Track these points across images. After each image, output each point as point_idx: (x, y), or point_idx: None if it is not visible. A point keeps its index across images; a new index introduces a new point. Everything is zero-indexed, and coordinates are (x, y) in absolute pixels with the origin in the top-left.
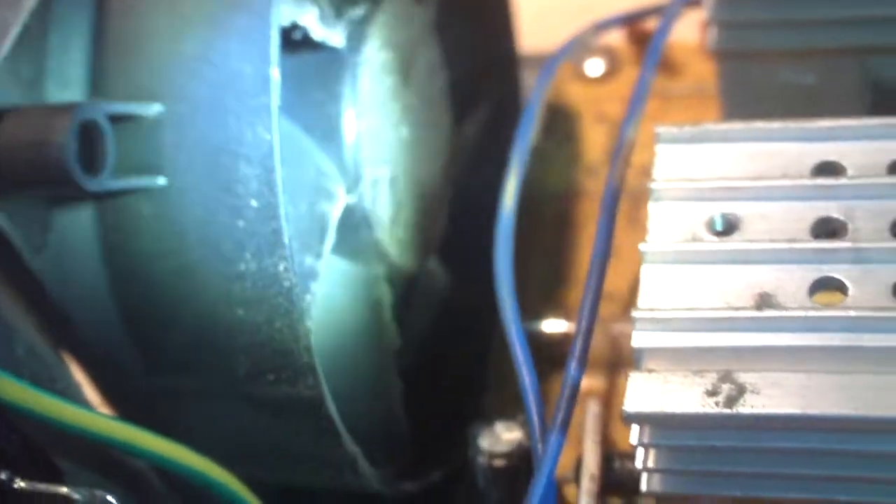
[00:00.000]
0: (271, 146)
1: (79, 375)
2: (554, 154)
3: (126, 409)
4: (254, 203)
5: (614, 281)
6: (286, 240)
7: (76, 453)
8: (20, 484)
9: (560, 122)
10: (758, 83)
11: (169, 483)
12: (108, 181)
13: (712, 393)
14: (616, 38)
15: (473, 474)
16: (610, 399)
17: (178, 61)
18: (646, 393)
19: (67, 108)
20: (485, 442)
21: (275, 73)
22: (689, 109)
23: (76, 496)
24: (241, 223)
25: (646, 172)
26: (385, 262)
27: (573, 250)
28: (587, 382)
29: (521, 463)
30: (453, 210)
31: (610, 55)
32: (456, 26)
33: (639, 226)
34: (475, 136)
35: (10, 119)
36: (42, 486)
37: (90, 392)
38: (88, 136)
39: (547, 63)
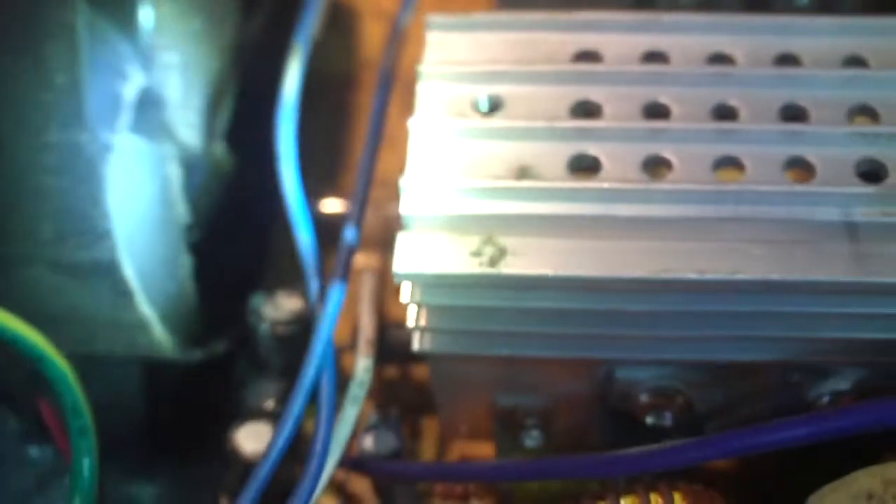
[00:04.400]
0: (75, 26)
1: None
2: (333, 47)
3: None
4: (60, 78)
5: (388, 168)
6: (89, 111)
7: None
8: None
9: (340, 18)
10: None
11: None
12: None
13: (476, 254)
14: None
15: (255, 343)
16: (384, 276)
17: None
18: (413, 253)
19: None
20: (267, 311)
21: None
22: (469, 6)
23: None
24: (47, 96)
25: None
26: (175, 142)
27: (349, 138)
28: (363, 259)
29: (302, 331)
30: (240, 99)
31: None
32: None
33: None
34: (260, 30)
35: None
36: None
37: None
38: None
39: None
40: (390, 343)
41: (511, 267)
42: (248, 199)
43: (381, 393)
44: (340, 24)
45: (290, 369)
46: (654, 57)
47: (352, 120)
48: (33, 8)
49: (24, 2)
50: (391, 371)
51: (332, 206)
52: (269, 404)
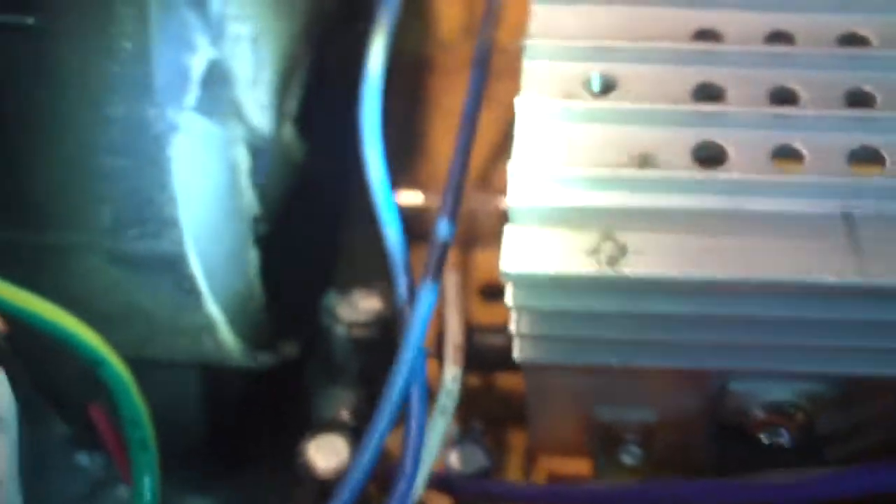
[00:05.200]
0: None
1: None
2: (408, 27)
3: None
4: (127, 45)
5: None
6: (157, 84)
7: None
8: None
9: None
10: None
11: (21, 357)
12: None
13: (594, 252)
14: None
15: (328, 347)
16: (466, 273)
17: None
18: (524, 250)
19: None
20: (343, 311)
21: None
22: None
23: None
24: (113, 66)
25: (500, 49)
26: (244, 123)
27: (425, 123)
28: None
29: (380, 333)
30: (310, 77)
31: None
32: None
33: (493, 103)
34: (330, 7)
35: None
36: None
37: None
38: None
39: None
40: (475, 349)
41: (633, 267)
42: (317, 189)
43: (462, 404)
44: (414, 5)
45: (366, 376)
46: (779, 37)
47: (426, 105)
48: None
49: None
50: (472, 379)
51: (408, 198)
52: (344, 415)
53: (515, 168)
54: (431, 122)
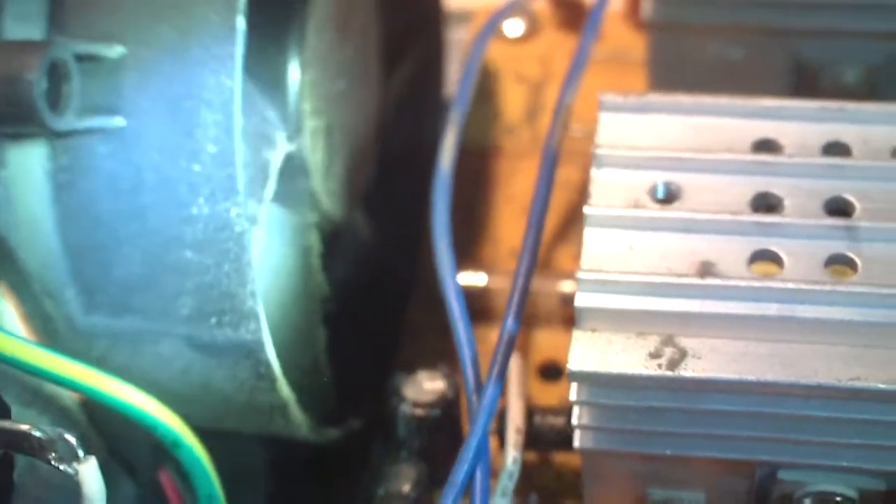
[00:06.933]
0: (233, 93)
1: (15, 312)
2: (472, 111)
3: (61, 347)
4: (211, 148)
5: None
6: (240, 186)
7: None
8: None
9: (480, 81)
10: (685, 55)
11: (95, 424)
12: (71, 121)
13: (655, 355)
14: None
15: (393, 423)
16: (524, 353)
17: (142, 3)
18: (589, 352)
19: (38, 46)
20: (409, 391)
21: (240, 23)
22: (607, 74)
23: (38, 434)
24: (196, 167)
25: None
26: (317, 210)
27: (489, 207)
28: None
29: (442, 412)
30: (378, 162)
31: (529, 16)
32: None
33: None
34: (400, 91)
35: None
36: (5, 424)
37: (24, 328)
38: (54, 75)
39: (488, 22)
40: (535, 429)
41: (692, 370)
42: (383, 269)
43: (520, 479)
44: (479, 90)
45: (427, 452)
46: (836, 148)
47: (488, 187)
48: (184, 73)
49: (176, 68)
50: (529, 455)
51: (469, 279)
52: (406, 488)
53: (584, 274)
54: (495, 205)
